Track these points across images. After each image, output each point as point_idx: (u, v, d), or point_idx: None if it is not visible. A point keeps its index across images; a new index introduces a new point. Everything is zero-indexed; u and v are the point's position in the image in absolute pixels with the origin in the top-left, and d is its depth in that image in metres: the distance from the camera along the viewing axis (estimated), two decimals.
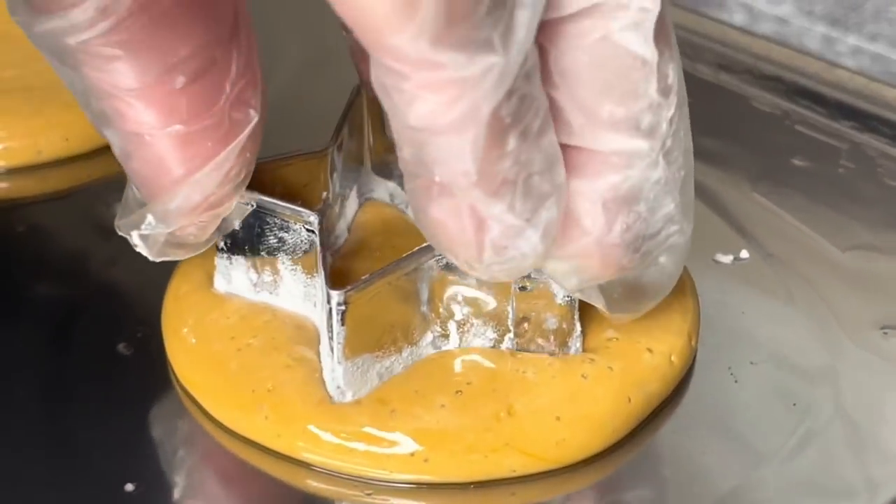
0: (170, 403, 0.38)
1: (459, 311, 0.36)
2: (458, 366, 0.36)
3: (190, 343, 0.38)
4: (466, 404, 0.35)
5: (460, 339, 0.37)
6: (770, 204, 0.45)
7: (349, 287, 0.35)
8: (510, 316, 0.36)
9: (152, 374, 0.39)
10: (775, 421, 0.37)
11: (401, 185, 0.42)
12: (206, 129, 0.35)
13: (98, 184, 0.47)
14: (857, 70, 0.53)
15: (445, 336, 0.36)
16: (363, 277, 0.35)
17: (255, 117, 0.35)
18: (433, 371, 0.36)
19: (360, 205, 0.43)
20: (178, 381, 0.38)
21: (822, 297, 0.41)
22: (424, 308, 0.36)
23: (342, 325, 0.35)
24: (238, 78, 0.35)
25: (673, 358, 0.37)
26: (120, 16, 0.32)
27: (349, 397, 0.36)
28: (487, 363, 0.36)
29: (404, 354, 0.36)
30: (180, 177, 0.35)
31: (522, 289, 0.35)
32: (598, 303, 0.34)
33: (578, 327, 0.36)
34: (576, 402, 0.35)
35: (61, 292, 0.42)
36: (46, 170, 0.48)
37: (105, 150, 0.48)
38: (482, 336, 0.36)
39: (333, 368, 0.35)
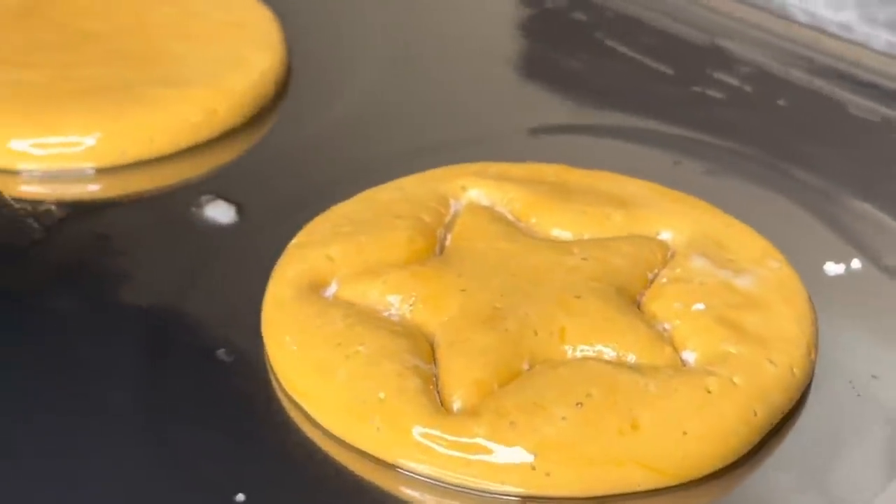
0: (274, 411, 0.37)
1: None
2: (577, 376, 0.35)
3: (294, 350, 0.37)
4: (588, 417, 0.34)
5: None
6: (877, 211, 0.44)
7: None
8: None
9: (254, 381, 0.38)
10: None
11: None
12: None
13: (184, 184, 0.46)
14: None
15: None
16: None
17: None
18: (551, 381, 0.35)
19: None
20: (282, 388, 0.37)
21: None
22: None
23: None
24: None
25: (795, 370, 0.36)
26: None
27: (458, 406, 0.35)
28: (607, 374, 0.35)
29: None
30: None
31: None
32: None
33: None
34: (702, 417, 0.34)
35: (154, 297, 0.41)
36: (131, 170, 0.47)
37: (190, 150, 0.48)
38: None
39: None
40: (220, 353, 0.39)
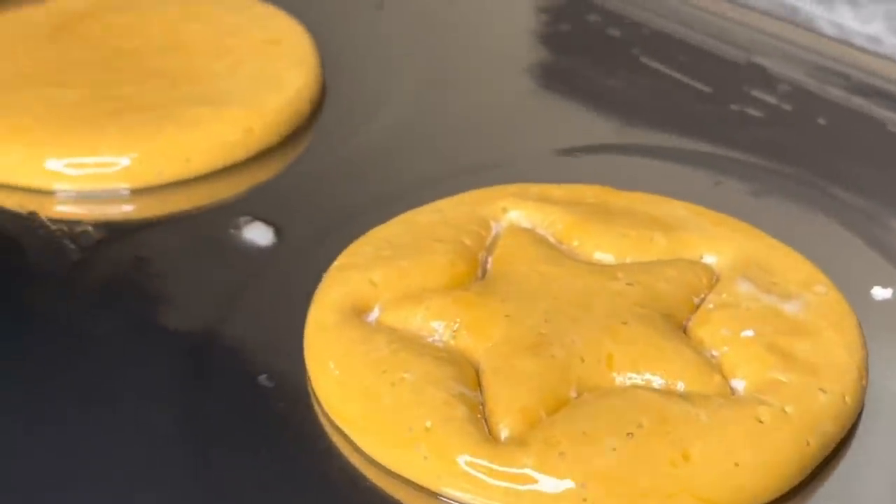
0: (317, 438, 0.37)
1: None
2: (626, 405, 0.35)
3: (338, 376, 0.37)
4: (639, 448, 0.33)
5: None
6: None
7: None
8: None
9: (297, 406, 0.38)
10: None
11: None
12: None
13: (220, 205, 0.46)
14: None
15: None
16: None
17: None
18: (600, 410, 0.35)
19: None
20: (325, 414, 0.37)
21: None
22: None
23: None
24: None
25: (847, 398, 0.35)
26: None
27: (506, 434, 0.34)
28: (657, 403, 0.35)
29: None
30: None
31: None
32: None
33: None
34: (755, 447, 0.34)
35: (194, 320, 0.41)
36: (167, 191, 0.47)
37: (227, 170, 0.48)
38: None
39: None
40: (262, 378, 0.38)
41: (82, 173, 0.46)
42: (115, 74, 0.50)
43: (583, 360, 0.36)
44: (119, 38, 0.52)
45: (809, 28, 0.55)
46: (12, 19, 0.54)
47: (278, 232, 0.44)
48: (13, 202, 0.46)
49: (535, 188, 0.43)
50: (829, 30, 0.55)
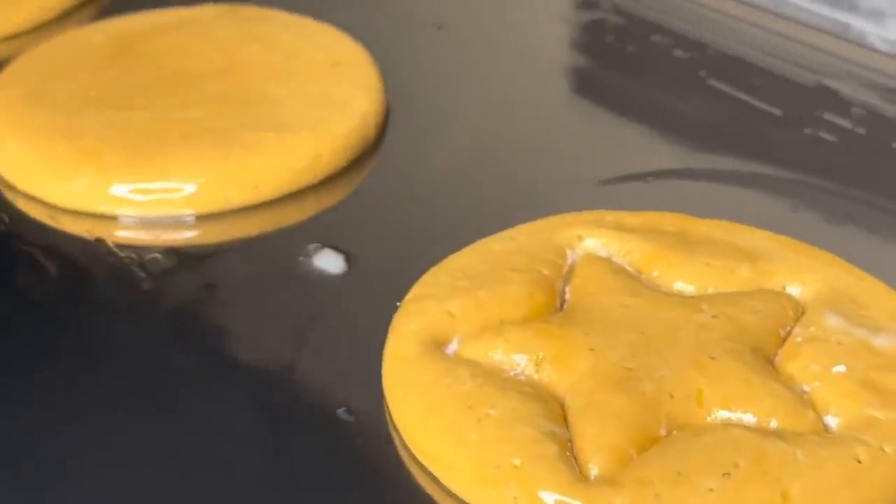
0: (401, 475, 0.36)
1: None
2: (721, 444, 0.34)
3: (420, 410, 0.36)
4: (738, 489, 0.33)
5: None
6: None
7: None
8: None
9: (378, 442, 0.37)
10: None
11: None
12: None
13: (288, 232, 0.45)
14: None
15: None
16: None
17: None
18: (694, 450, 0.34)
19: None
20: (408, 450, 0.36)
21: None
22: None
23: None
24: None
25: None
26: None
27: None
28: (753, 442, 0.34)
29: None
30: None
31: None
32: None
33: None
34: (855, 489, 0.33)
35: (268, 352, 0.40)
36: (232, 217, 0.46)
37: (295, 195, 0.47)
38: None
39: None
40: (341, 412, 0.38)
41: (149, 199, 0.45)
42: (177, 97, 0.49)
43: (672, 397, 0.35)
44: (179, 60, 0.52)
45: (861, 45, 0.54)
46: (71, 40, 0.54)
47: (349, 259, 0.43)
48: (80, 228, 0.45)
49: (609, 215, 0.43)
50: (882, 46, 0.54)
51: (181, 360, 0.40)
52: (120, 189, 0.45)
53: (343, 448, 0.37)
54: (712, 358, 0.36)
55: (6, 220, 0.46)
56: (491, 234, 0.43)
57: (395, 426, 0.37)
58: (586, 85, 0.53)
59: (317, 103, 0.49)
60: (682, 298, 0.39)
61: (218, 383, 0.39)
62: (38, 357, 0.41)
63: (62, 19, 0.58)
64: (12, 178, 0.47)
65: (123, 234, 0.45)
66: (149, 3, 0.57)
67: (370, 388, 0.38)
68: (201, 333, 0.41)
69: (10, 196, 0.47)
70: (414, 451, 0.36)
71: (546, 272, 0.40)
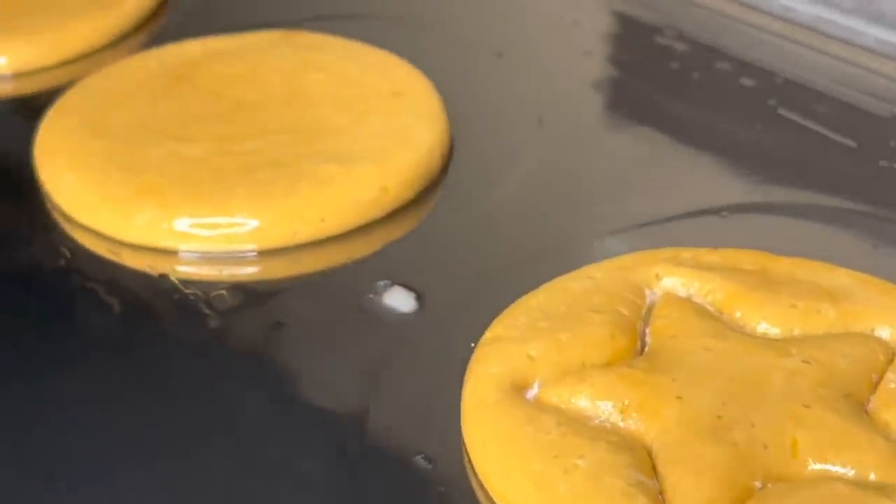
0: None
1: None
2: (820, 499, 0.32)
3: (504, 459, 0.35)
4: None
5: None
6: None
7: None
8: None
9: (459, 491, 0.36)
10: None
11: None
12: None
13: (355, 268, 0.44)
14: None
15: None
16: None
17: None
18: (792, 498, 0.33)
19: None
20: (491, 501, 0.35)
21: None
22: None
23: None
24: None
25: None
26: None
27: None
28: (854, 499, 0.32)
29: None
30: None
31: None
32: None
33: None
34: None
35: (340, 394, 0.39)
36: (296, 252, 0.45)
37: (361, 229, 0.46)
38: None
39: None
40: (419, 459, 0.37)
41: (212, 234, 0.44)
42: (237, 128, 0.48)
43: (766, 447, 0.34)
44: (237, 89, 0.51)
45: None
46: (127, 67, 0.53)
47: (419, 297, 0.42)
48: (141, 263, 0.44)
49: (687, 253, 0.42)
50: None
51: (251, 401, 0.39)
52: (183, 224, 0.44)
53: (423, 497, 0.36)
54: (806, 406, 0.35)
55: (67, 254, 0.45)
56: (562, 268, 0.42)
57: (476, 475, 0.36)
58: (651, 113, 0.52)
59: (381, 134, 0.48)
60: (768, 342, 0.38)
61: (289, 426, 0.38)
62: (103, 396, 0.40)
63: (114, 45, 0.57)
64: (72, 212, 0.46)
65: (184, 269, 0.45)
66: (200, 28, 0.56)
67: (448, 433, 0.37)
68: (270, 374, 0.40)
69: (68, 228, 0.46)
70: (497, 501, 0.35)
71: (626, 313, 0.39)
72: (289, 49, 0.54)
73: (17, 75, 0.55)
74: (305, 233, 0.45)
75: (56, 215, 0.47)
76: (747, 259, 0.41)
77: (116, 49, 0.57)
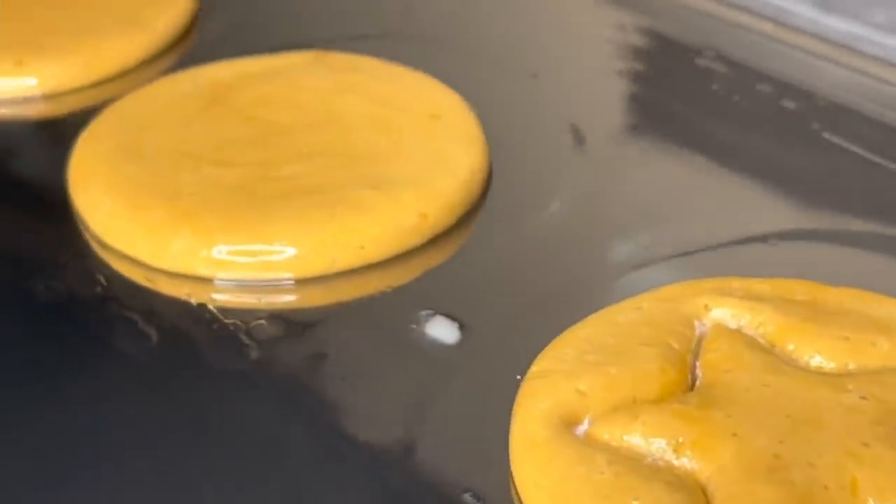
0: None
1: None
2: None
3: (555, 500, 0.34)
4: None
5: None
6: None
7: None
8: None
9: None
10: None
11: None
12: None
13: (396, 297, 0.44)
14: None
15: None
16: None
17: None
18: None
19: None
20: None
21: None
22: None
23: None
24: None
25: None
26: None
27: None
28: None
29: None
30: None
31: None
32: None
33: None
34: None
35: (385, 429, 0.38)
36: (335, 280, 0.44)
37: (400, 257, 0.45)
38: None
39: None
40: (467, 497, 0.36)
41: (250, 261, 0.43)
42: (273, 151, 0.48)
43: (826, 488, 0.33)
44: (271, 111, 0.50)
45: None
46: (159, 89, 0.52)
47: (462, 327, 0.41)
48: (177, 290, 0.44)
49: (736, 282, 0.41)
50: None
51: (294, 435, 0.38)
52: (219, 252, 0.44)
53: None
54: (865, 445, 0.34)
55: (103, 281, 0.44)
56: (607, 297, 0.41)
57: None
58: (692, 136, 0.51)
59: (419, 158, 0.47)
60: (824, 377, 0.37)
61: (332, 460, 0.38)
62: (142, 430, 0.39)
63: (145, 65, 0.57)
64: (108, 239, 0.46)
65: (220, 297, 0.44)
66: (232, 49, 0.56)
67: (496, 470, 0.36)
68: (313, 406, 0.39)
69: (104, 255, 0.46)
70: None
71: (675, 346, 0.38)
72: (322, 70, 0.53)
73: (47, 97, 0.55)
74: (344, 261, 0.44)
75: (91, 240, 0.46)
76: (798, 289, 0.40)
77: (147, 70, 0.56)
